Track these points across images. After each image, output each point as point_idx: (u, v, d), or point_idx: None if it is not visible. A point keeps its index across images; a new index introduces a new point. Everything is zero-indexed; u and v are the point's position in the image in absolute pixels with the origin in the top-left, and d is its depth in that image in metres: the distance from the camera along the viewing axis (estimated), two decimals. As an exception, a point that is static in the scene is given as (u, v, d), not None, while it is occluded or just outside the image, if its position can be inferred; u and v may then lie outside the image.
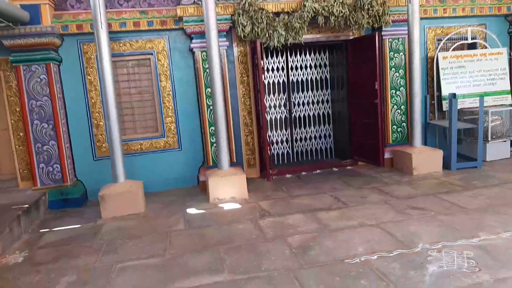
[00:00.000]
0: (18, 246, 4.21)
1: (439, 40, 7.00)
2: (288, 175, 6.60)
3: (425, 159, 6.08)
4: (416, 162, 6.05)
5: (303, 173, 6.67)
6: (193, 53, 6.04)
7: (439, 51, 6.88)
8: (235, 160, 6.24)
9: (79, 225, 4.81)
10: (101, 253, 3.84)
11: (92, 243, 4.15)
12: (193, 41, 5.88)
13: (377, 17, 6.09)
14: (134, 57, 6.06)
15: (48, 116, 5.60)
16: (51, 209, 5.59)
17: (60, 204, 5.63)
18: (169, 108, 6.18)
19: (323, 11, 5.89)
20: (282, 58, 7.11)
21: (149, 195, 5.86)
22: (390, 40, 6.48)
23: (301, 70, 7.27)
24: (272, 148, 7.32)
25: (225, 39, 5.98)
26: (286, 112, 7.37)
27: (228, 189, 5.37)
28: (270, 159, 6.16)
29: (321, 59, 7.31)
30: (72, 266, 3.59)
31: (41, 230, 4.72)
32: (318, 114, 7.45)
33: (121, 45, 5.91)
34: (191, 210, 5.05)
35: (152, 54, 6.04)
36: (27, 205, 4.92)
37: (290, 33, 5.90)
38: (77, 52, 5.80)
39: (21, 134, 5.76)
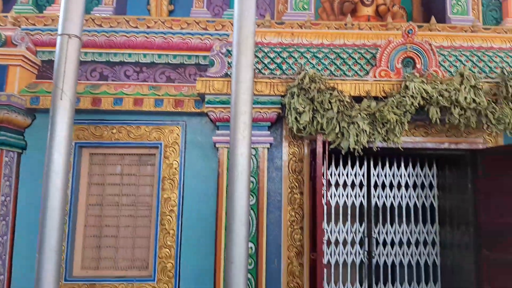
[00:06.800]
0: None
1: None
2: None
3: None
4: None
5: None
6: (217, 150, 3.87)
7: None
8: None
9: None
10: None
11: None
12: (218, 132, 3.77)
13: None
14: (132, 150, 4.07)
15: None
16: None
17: None
18: (168, 233, 3.84)
19: (440, 99, 3.47)
20: (360, 170, 4.59)
21: None
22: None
23: (391, 191, 4.61)
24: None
25: (268, 132, 3.78)
26: (363, 254, 4.55)
27: None
28: None
29: (424, 176, 4.65)
30: None
31: None
32: (418, 263, 4.52)
33: (113, 131, 3.98)
34: None
35: (158, 147, 4.00)
36: None
37: (379, 129, 3.50)
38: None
39: None
